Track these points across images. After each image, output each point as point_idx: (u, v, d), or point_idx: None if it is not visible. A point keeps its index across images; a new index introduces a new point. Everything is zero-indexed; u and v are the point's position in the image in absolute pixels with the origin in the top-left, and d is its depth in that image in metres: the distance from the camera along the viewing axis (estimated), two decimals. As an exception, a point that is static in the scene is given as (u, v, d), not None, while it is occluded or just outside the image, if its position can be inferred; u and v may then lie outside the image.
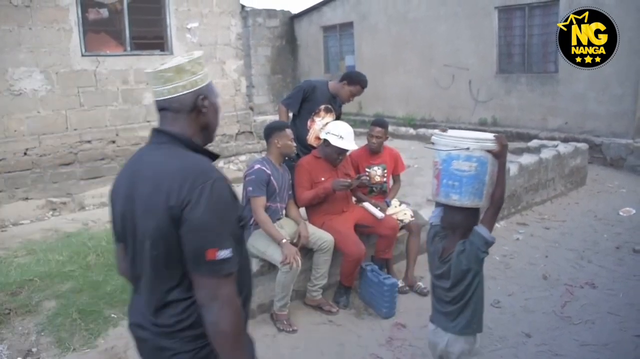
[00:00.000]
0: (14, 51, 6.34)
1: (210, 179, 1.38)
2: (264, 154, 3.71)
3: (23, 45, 6.40)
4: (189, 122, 1.50)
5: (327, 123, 3.99)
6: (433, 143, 2.23)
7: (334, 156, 3.70)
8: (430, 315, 2.30)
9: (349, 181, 3.65)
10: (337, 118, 4.14)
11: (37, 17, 6.46)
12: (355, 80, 4.03)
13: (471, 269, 2.09)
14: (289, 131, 3.56)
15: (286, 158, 3.69)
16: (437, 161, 2.17)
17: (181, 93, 1.47)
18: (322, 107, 4.08)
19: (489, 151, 2.08)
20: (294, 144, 3.61)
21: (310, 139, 4.08)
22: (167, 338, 1.44)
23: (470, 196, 2.08)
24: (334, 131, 3.66)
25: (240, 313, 1.40)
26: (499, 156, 2.09)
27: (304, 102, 4.03)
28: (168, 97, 1.47)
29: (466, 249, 2.08)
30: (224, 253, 1.36)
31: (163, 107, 1.50)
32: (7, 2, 6.23)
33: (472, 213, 2.14)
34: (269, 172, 3.44)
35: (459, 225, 2.14)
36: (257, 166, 3.45)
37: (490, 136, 2.13)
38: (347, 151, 3.72)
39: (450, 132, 2.23)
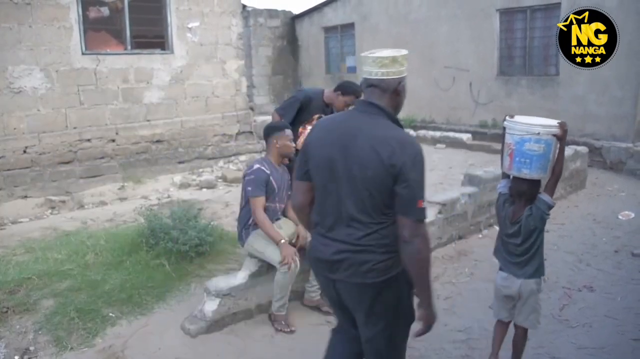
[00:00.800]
0: (14, 49, 6.34)
1: (419, 149, 1.89)
2: (263, 155, 3.71)
3: (23, 43, 6.40)
4: (390, 100, 1.98)
5: None
6: (505, 127, 2.68)
7: None
8: (500, 266, 2.82)
9: None
10: None
11: (37, 15, 6.47)
12: (349, 91, 4.08)
13: (537, 227, 2.64)
14: (288, 132, 3.56)
15: (288, 161, 3.69)
16: (510, 142, 2.63)
17: (390, 77, 1.95)
18: (316, 116, 4.14)
19: (554, 135, 2.55)
20: (293, 145, 3.61)
21: (299, 144, 4.11)
22: (369, 253, 1.92)
23: (538, 170, 2.58)
24: None
25: (430, 247, 1.93)
26: (561, 139, 2.57)
27: (299, 113, 4.10)
28: (381, 77, 1.95)
29: (533, 212, 2.61)
30: (425, 204, 1.87)
31: (372, 85, 1.98)
32: (8, 0, 6.23)
33: (535, 183, 2.65)
34: (268, 172, 3.44)
35: (525, 193, 2.65)
36: (256, 166, 3.45)
37: (555, 122, 2.60)
38: None
39: (517, 118, 2.66)
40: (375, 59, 1.95)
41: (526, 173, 2.59)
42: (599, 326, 3.41)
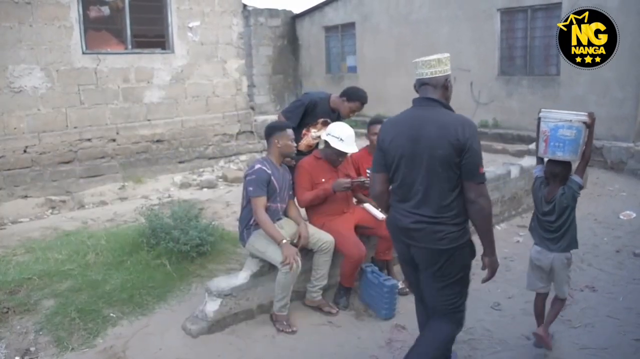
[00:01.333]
0: (15, 48, 6.34)
1: (474, 126, 2.37)
2: (264, 154, 3.70)
3: (24, 42, 6.39)
4: (441, 93, 2.44)
5: (319, 136, 4.13)
6: (540, 117, 3.03)
7: (333, 157, 3.70)
8: (535, 241, 3.15)
9: (350, 181, 3.65)
10: None
11: (37, 14, 6.46)
12: (355, 97, 4.11)
13: (569, 205, 2.97)
14: (289, 132, 3.55)
15: (293, 162, 3.69)
16: (545, 129, 2.99)
17: (438, 75, 2.41)
18: (321, 120, 4.18)
19: (584, 123, 2.90)
20: (294, 145, 3.61)
21: (301, 146, 4.16)
22: (442, 225, 2.36)
23: (570, 153, 2.93)
24: (335, 133, 3.66)
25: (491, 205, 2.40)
26: (589, 126, 2.92)
27: (304, 116, 4.14)
28: (430, 76, 2.42)
29: (566, 192, 2.95)
30: (483, 170, 2.35)
31: (425, 83, 2.44)
32: (9, -1, 6.23)
33: (567, 166, 2.99)
34: (269, 172, 3.43)
35: (558, 174, 2.98)
36: (257, 166, 3.44)
37: (584, 113, 2.96)
38: (346, 153, 3.72)
39: (546, 110, 3.06)
40: (424, 62, 2.43)
41: (560, 155, 2.94)
42: (601, 326, 3.40)
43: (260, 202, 3.37)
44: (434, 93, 2.42)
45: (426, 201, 2.37)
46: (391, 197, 2.56)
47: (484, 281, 2.50)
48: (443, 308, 2.50)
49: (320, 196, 3.66)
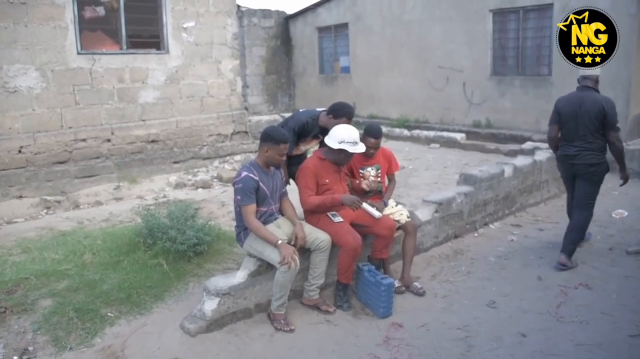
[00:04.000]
0: (9, 48, 6.31)
1: (612, 102, 4.25)
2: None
3: (18, 42, 6.37)
4: (593, 84, 4.32)
5: (307, 149, 4.45)
6: None
7: (346, 160, 3.79)
8: None
9: (360, 200, 3.69)
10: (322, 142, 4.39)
11: (33, 15, 6.44)
12: (341, 114, 4.14)
13: None
14: (282, 146, 3.48)
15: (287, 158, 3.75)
16: None
17: (593, 74, 4.31)
18: (310, 136, 4.40)
19: None
20: (283, 159, 3.60)
21: (295, 151, 4.40)
22: (591, 151, 4.27)
23: None
24: (348, 139, 3.67)
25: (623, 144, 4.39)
26: None
27: (296, 139, 4.39)
28: (590, 74, 4.29)
29: None
30: (618, 125, 4.29)
31: (586, 77, 4.31)
32: (3, -1, 6.20)
33: None
34: (256, 178, 3.41)
35: None
36: (244, 174, 3.42)
37: None
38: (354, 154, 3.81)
39: None
40: (587, 68, 4.26)
41: None
42: (596, 323, 3.45)
43: (250, 209, 3.38)
44: (590, 83, 4.26)
45: (584, 140, 4.24)
46: (561, 141, 4.45)
47: (621, 185, 4.55)
48: (586, 201, 4.40)
49: (327, 204, 3.67)
